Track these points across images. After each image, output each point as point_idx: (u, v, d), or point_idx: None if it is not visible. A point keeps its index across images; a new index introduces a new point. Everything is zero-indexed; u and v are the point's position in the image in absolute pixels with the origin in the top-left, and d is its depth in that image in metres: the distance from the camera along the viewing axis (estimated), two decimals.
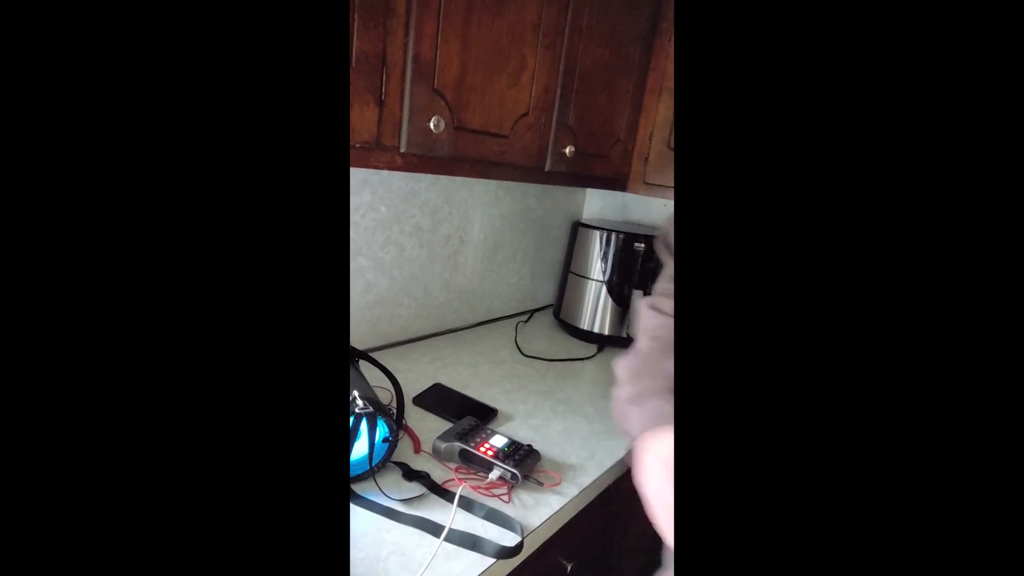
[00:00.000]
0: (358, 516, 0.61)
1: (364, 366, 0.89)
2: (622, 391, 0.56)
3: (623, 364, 0.58)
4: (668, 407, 0.52)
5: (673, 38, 1.07)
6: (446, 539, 0.58)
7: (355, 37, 0.58)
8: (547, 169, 0.92)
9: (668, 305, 0.61)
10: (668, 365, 0.55)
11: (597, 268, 1.29)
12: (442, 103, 0.70)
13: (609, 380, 1.12)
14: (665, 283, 0.64)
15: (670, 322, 0.59)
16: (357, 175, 0.95)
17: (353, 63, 0.59)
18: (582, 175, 1.03)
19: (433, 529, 0.59)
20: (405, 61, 0.64)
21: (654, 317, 0.61)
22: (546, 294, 1.55)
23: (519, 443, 0.74)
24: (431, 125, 0.68)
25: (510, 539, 0.60)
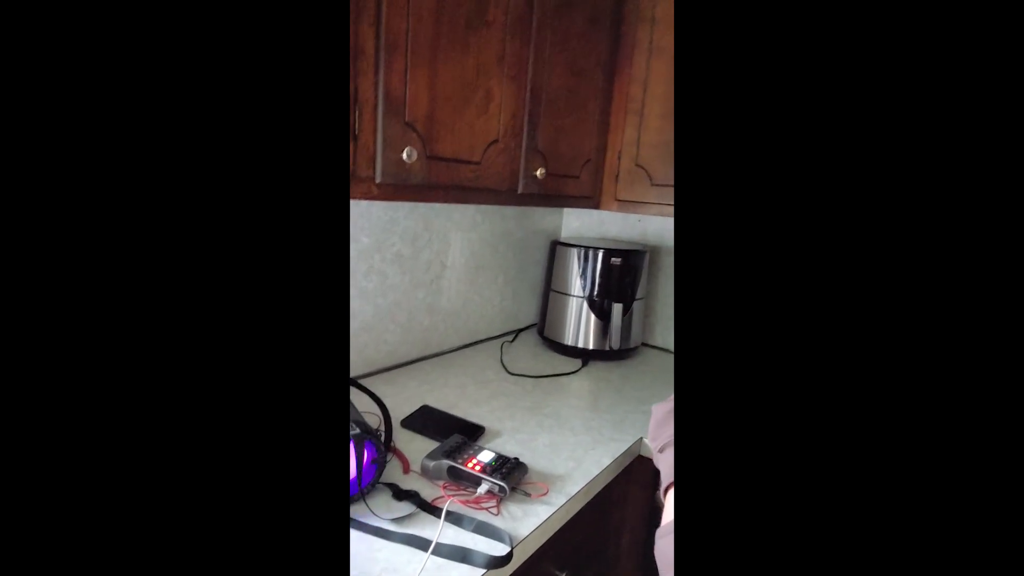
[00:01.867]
0: (350, 537, 0.62)
1: (352, 393, 0.90)
2: (652, 440, 0.60)
3: (654, 410, 0.61)
4: None
5: (632, 64, 1.13)
6: (437, 553, 0.60)
7: None
8: (520, 191, 0.96)
9: None
10: None
11: (577, 285, 1.32)
12: (414, 135, 0.74)
13: (594, 391, 1.15)
14: None
15: None
16: None
17: None
18: (555, 195, 1.07)
19: (423, 545, 0.61)
20: (376, 97, 0.68)
21: None
22: (530, 313, 1.58)
23: (506, 457, 0.76)
24: (404, 156, 0.72)
25: (500, 550, 0.62)
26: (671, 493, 0.57)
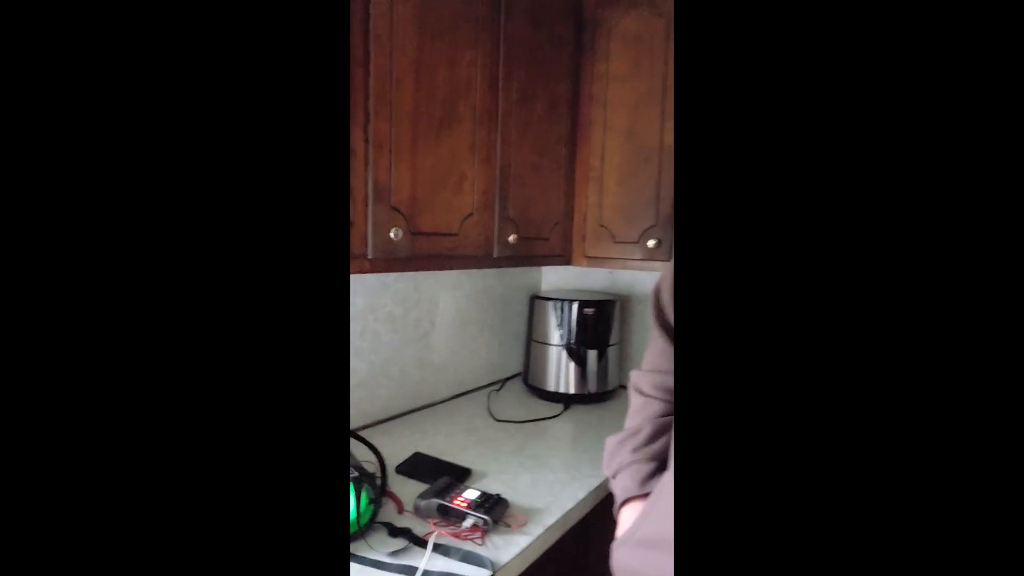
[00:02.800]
0: (351, 570, 0.70)
1: (351, 443, 1.00)
2: (606, 468, 0.70)
3: (608, 442, 0.71)
4: (630, 483, 0.65)
5: (590, 139, 1.30)
6: None
7: None
8: (495, 256, 1.10)
9: (647, 384, 0.70)
10: (631, 445, 0.67)
11: (556, 334, 1.44)
12: (399, 216, 0.87)
13: (574, 432, 1.24)
14: (650, 357, 0.73)
15: (648, 402, 0.70)
16: None
17: None
18: (528, 256, 1.21)
19: (415, 573, 0.69)
20: (367, 189, 0.82)
21: (634, 398, 0.72)
22: (515, 363, 1.68)
23: (489, 494, 0.85)
24: (391, 234, 0.85)
25: (483, 575, 0.70)
26: (624, 509, 0.67)
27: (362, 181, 0.81)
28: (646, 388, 0.71)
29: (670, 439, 0.66)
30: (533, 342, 1.50)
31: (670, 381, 0.69)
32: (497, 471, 1.01)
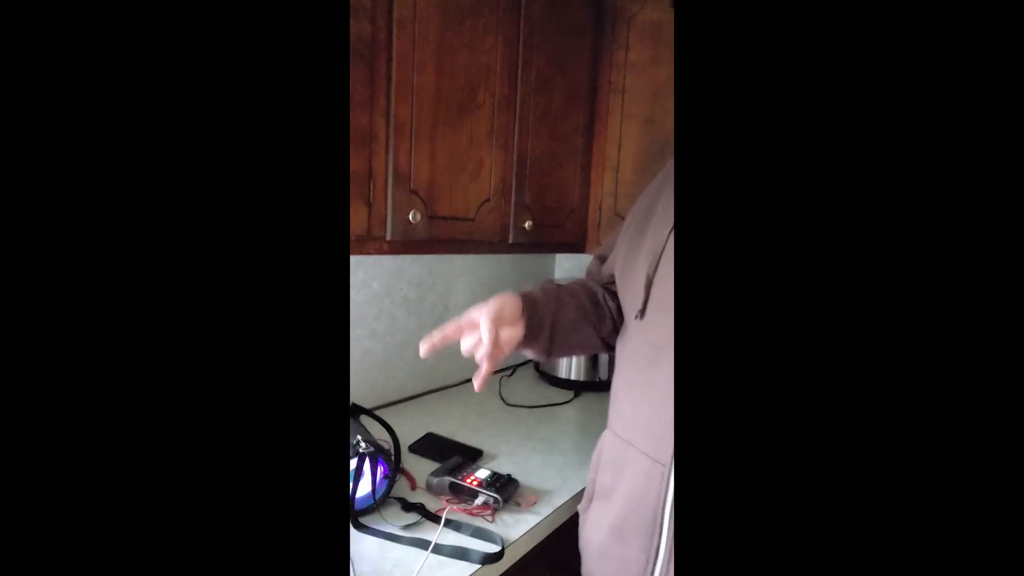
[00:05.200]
0: (365, 541, 0.73)
1: (366, 421, 1.02)
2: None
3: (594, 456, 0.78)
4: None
5: (607, 128, 1.30)
6: (439, 552, 0.70)
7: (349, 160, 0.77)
8: (511, 242, 1.11)
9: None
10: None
11: None
12: (418, 199, 0.89)
13: (584, 418, 1.25)
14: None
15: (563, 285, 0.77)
16: (352, 260, 1.12)
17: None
18: (542, 243, 1.22)
19: (427, 547, 0.71)
20: (387, 172, 0.83)
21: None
22: None
23: (500, 474, 0.87)
24: (410, 217, 0.87)
25: (493, 549, 0.72)
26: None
27: (383, 164, 0.83)
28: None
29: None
30: None
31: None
32: (508, 453, 1.03)
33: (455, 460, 0.91)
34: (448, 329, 0.62)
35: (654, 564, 0.60)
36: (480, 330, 0.60)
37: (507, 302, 0.65)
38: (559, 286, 0.76)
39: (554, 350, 0.71)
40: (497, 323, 0.62)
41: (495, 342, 0.60)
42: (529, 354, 0.72)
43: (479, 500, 0.81)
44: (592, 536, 0.71)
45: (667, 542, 0.59)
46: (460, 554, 0.71)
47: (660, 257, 0.62)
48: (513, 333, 0.65)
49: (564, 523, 0.88)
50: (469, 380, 1.48)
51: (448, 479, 0.84)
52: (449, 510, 0.78)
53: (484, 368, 0.61)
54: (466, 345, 0.62)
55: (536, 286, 0.73)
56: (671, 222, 0.63)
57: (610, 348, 0.77)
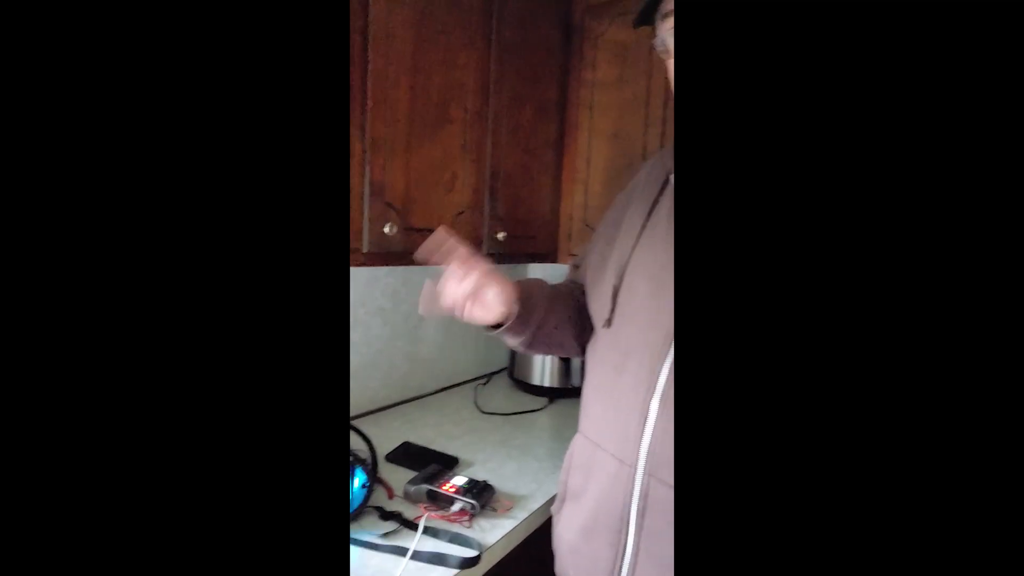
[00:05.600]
0: None
1: None
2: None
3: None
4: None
5: (576, 143, 1.34)
6: (418, 559, 0.72)
7: None
8: (484, 252, 1.13)
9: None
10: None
11: None
12: (393, 212, 0.90)
13: (558, 424, 1.28)
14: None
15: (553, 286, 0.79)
16: None
17: None
18: (515, 254, 1.25)
19: (406, 554, 0.73)
20: (363, 185, 0.85)
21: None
22: (501, 358, 1.72)
23: (476, 480, 0.89)
24: (385, 229, 0.88)
25: (470, 553, 0.74)
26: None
27: (359, 178, 0.84)
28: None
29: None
30: None
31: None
32: (484, 460, 1.05)
33: (432, 468, 0.92)
34: (438, 249, 0.66)
35: (622, 560, 0.63)
36: (466, 278, 0.64)
37: (503, 280, 0.68)
38: (552, 285, 0.80)
39: (536, 343, 0.75)
40: (483, 282, 0.65)
41: (476, 292, 0.65)
42: (511, 340, 0.74)
43: (456, 506, 0.83)
44: (564, 535, 0.73)
45: (634, 539, 0.61)
46: (438, 560, 0.72)
47: (626, 268, 0.66)
48: (494, 301, 0.68)
49: (539, 526, 0.90)
50: (444, 389, 1.49)
51: (425, 487, 0.86)
52: (427, 517, 0.80)
53: (444, 306, 0.66)
54: (448, 283, 0.66)
55: (528, 279, 0.77)
56: (636, 235, 0.66)
57: (584, 352, 0.81)
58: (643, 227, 0.66)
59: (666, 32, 0.62)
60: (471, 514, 0.83)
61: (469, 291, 0.65)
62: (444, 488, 0.85)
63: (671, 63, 0.63)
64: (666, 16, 0.61)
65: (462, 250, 0.66)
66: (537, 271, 1.79)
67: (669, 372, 0.59)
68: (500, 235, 1.16)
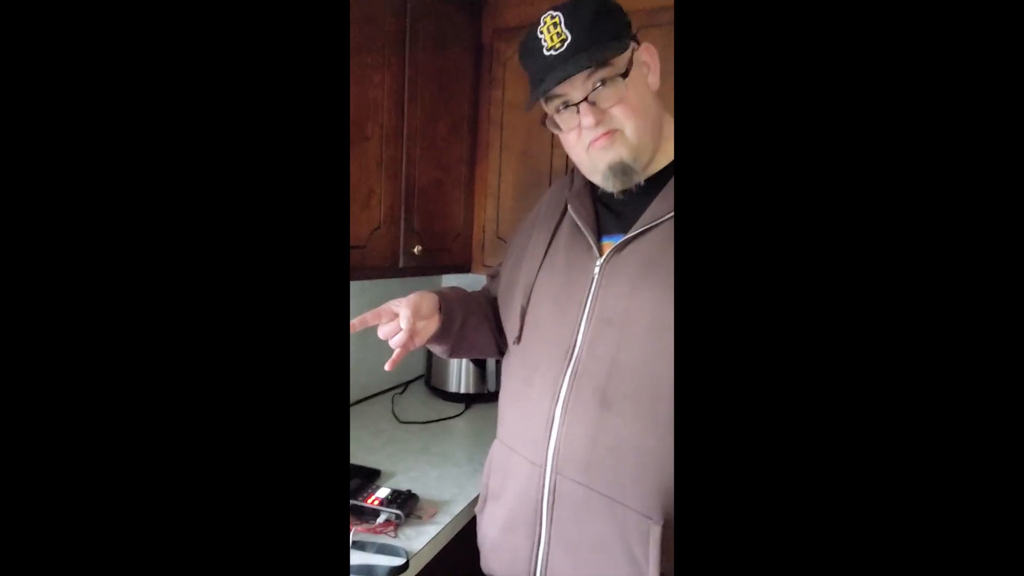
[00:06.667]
0: None
1: None
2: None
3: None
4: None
5: (488, 158, 1.40)
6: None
7: None
8: (401, 266, 1.16)
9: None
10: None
11: None
12: None
13: (476, 429, 1.33)
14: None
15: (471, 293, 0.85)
16: None
17: None
18: (430, 267, 1.28)
19: None
20: None
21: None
22: (417, 366, 1.74)
23: (400, 491, 0.92)
24: None
25: (398, 562, 0.77)
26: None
27: None
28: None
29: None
30: None
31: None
32: (405, 469, 1.07)
33: (354, 483, 0.93)
34: (367, 315, 0.68)
35: (538, 549, 0.70)
36: (400, 319, 0.67)
37: (426, 298, 0.73)
38: (468, 292, 0.85)
39: (458, 349, 0.81)
40: (415, 315, 0.69)
41: (411, 332, 0.68)
42: (435, 348, 0.80)
43: (381, 518, 0.85)
44: (487, 533, 0.79)
45: (546, 529, 0.69)
46: (367, 572, 0.75)
47: (532, 290, 0.74)
48: (427, 326, 0.74)
49: (464, 527, 0.95)
50: (360, 401, 1.49)
51: (349, 502, 0.87)
52: (354, 532, 0.81)
53: (397, 353, 0.70)
54: (384, 331, 0.69)
55: (446, 288, 0.82)
56: (539, 261, 0.75)
57: (502, 354, 0.87)
58: (545, 254, 0.75)
59: (553, 112, 0.70)
60: (396, 524, 0.86)
61: (407, 335, 0.68)
62: (368, 502, 0.87)
63: (564, 137, 0.71)
64: (550, 99, 0.68)
65: (385, 307, 0.70)
66: (452, 281, 1.83)
67: (568, 382, 0.67)
68: (416, 249, 1.18)
